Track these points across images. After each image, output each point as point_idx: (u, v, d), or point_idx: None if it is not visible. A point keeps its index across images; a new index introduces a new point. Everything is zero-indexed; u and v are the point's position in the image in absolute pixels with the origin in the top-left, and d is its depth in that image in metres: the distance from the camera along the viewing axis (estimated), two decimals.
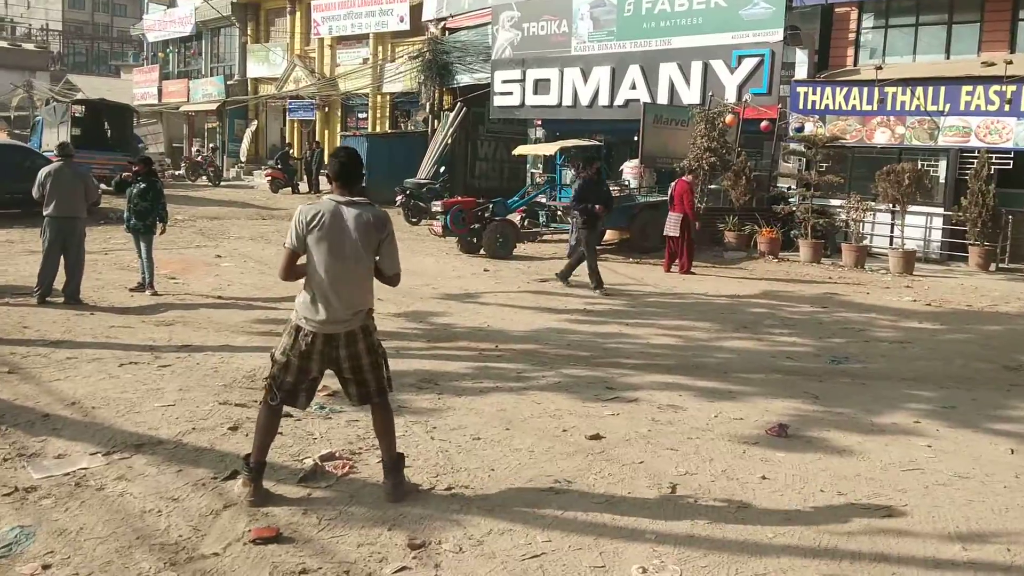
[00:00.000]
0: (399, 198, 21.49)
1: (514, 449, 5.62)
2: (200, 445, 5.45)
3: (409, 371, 7.48)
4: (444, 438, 5.79)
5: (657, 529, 4.47)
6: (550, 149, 18.86)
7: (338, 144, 29.10)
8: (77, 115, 24.08)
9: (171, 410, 6.10)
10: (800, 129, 17.98)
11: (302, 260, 4.62)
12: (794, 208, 17.18)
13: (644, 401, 6.89)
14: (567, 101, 23.32)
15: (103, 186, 18.04)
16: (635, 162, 19.12)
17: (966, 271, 15.68)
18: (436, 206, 16.44)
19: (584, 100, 22.84)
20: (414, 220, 21.09)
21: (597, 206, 12.51)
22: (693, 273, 14.58)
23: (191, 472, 5.00)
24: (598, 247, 17.60)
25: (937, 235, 16.95)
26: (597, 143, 18.60)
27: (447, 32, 26.92)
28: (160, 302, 10.38)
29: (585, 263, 12.48)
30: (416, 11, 28.04)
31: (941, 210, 16.77)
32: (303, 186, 29.18)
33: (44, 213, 9.92)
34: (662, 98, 20.72)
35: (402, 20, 28.86)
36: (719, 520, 4.60)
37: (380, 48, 30.35)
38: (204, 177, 32.23)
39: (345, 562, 3.99)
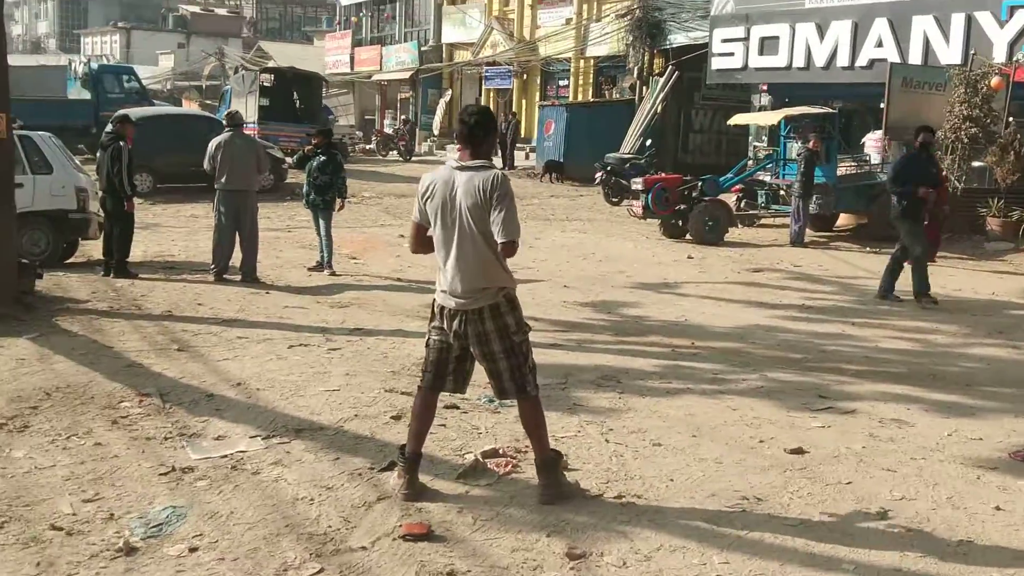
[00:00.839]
0: (598, 175, 21.55)
1: (699, 459, 5.58)
2: (361, 433, 5.78)
3: (589, 366, 7.57)
4: (620, 441, 5.83)
5: (857, 559, 4.31)
6: (773, 118, 18.32)
7: (537, 114, 29.61)
8: (265, 84, 25.83)
9: (335, 395, 6.49)
10: None
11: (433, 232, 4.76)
12: None
13: (863, 413, 6.63)
14: (798, 62, 22.54)
15: (288, 160, 19.28)
16: (879, 134, 18.25)
17: None
18: (636, 183, 16.40)
19: (819, 61, 22.00)
20: (615, 200, 21.06)
21: (922, 188, 10.63)
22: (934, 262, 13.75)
23: (348, 461, 5.31)
24: (827, 233, 17.11)
25: None
26: (831, 111, 17.85)
27: None
28: (337, 282, 11.03)
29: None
30: None
31: None
32: (497, 161, 29.88)
33: (216, 186, 10.76)
34: (914, 57, 19.62)
35: None
36: (934, 554, 4.37)
37: (585, 7, 30.50)
38: (395, 152, 33.68)
39: (497, 567, 4.12)
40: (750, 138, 23.88)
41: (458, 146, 4.77)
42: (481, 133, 4.72)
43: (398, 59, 39.14)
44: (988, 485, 5.32)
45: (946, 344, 9.02)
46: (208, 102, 42.43)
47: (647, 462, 5.50)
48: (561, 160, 26.23)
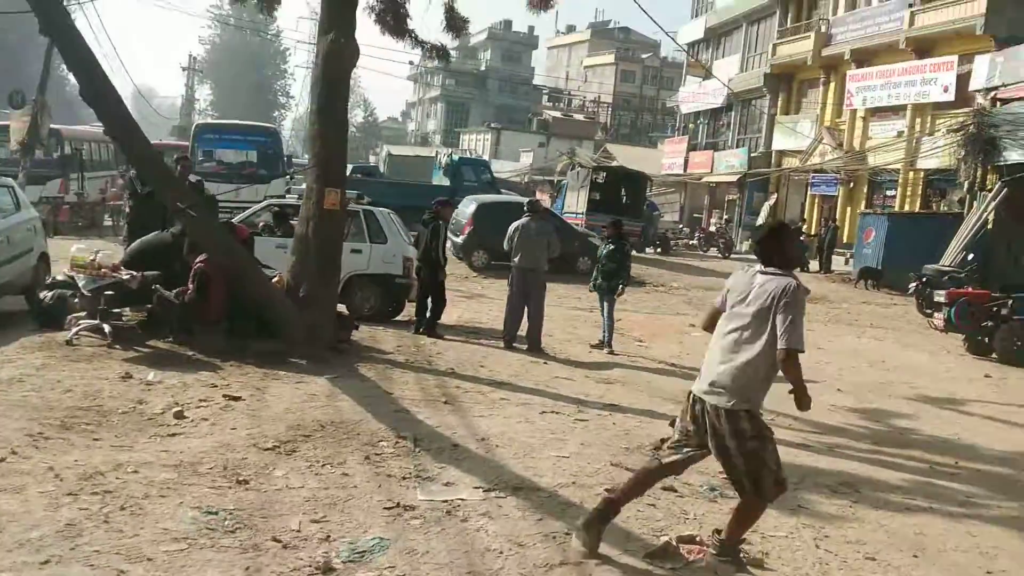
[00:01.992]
0: (912, 284, 20.02)
1: None
2: (571, 500, 5.72)
3: (832, 471, 7.01)
4: (832, 550, 5.32)
5: None
6: None
7: (858, 221, 28.18)
8: (597, 180, 26.68)
9: (563, 461, 6.49)
10: None
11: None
12: None
13: None
14: None
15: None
16: None
17: None
18: (939, 296, 15.04)
19: None
20: (928, 312, 19.37)
21: None
22: None
23: (550, 523, 5.27)
24: None
25: None
26: None
27: (997, 103, 24.67)
28: (613, 361, 11.06)
29: None
30: (963, 80, 26.20)
31: None
32: (813, 265, 28.70)
33: (511, 264, 11.24)
34: None
35: (946, 90, 27.14)
36: None
37: (918, 120, 28.83)
38: (715, 248, 33.39)
39: None
40: None
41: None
42: (769, 249, 4.80)
43: (728, 163, 38.95)
44: None
45: None
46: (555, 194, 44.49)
47: (851, 574, 4.98)
48: (878, 267, 24.73)
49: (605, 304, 11.71)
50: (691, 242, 35.69)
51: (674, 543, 5.08)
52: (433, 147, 59.59)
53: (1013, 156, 24.07)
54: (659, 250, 30.71)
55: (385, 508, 5.29)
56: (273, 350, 8.89)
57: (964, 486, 7.00)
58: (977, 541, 5.71)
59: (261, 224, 13.29)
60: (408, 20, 12.33)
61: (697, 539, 5.20)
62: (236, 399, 7.31)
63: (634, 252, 27.37)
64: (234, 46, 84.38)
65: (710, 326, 5.02)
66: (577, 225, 23.86)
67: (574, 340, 12.33)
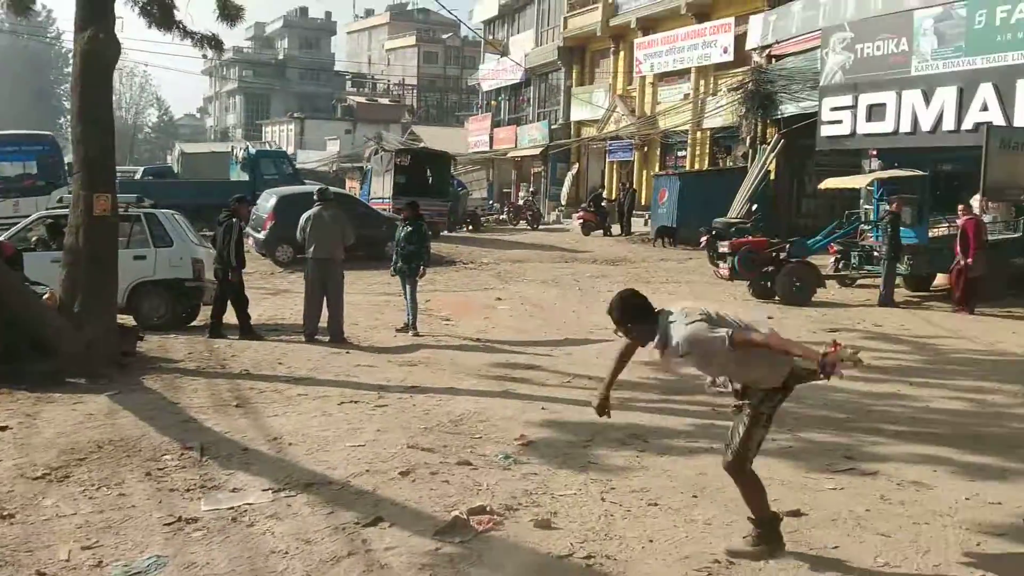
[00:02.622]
0: (703, 239, 21.01)
1: (689, 520, 5.20)
2: (364, 488, 5.66)
3: (622, 424, 7.21)
4: (617, 500, 5.50)
5: None
6: (863, 181, 17.51)
7: (652, 183, 29.29)
8: (401, 164, 26.48)
9: (357, 451, 6.40)
10: None
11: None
12: None
13: (884, 475, 6.07)
14: (905, 127, 21.52)
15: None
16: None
17: None
18: (723, 246, 15.86)
19: (925, 126, 20.95)
20: (717, 263, 20.46)
21: None
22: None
23: (340, 515, 5.18)
24: (923, 293, 16.09)
25: None
26: (922, 173, 16.89)
27: (772, 60, 26.16)
28: (418, 343, 11.03)
29: None
30: (740, 40, 27.62)
31: None
32: (615, 229, 29.65)
33: (305, 255, 11.00)
34: (1020, 120, 18.45)
35: (726, 51, 28.53)
36: None
37: (702, 82, 30.21)
38: (524, 221, 33.92)
39: None
40: (861, 201, 22.89)
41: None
42: (626, 322, 4.76)
43: (530, 137, 39.65)
44: (984, 555, 4.74)
45: (1003, 405, 8.22)
46: None
47: (635, 522, 5.17)
48: (673, 226, 25.80)
49: (407, 287, 11.65)
50: (501, 217, 36.14)
51: (464, 516, 5.11)
52: (230, 142, 57.49)
53: (789, 109, 25.63)
54: (470, 228, 30.90)
55: (165, 524, 5.05)
56: (48, 371, 8.32)
57: None
58: None
59: (35, 239, 12.43)
60: (175, 11, 11.76)
61: (487, 509, 5.25)
62: (3, 429, 6.80)
63: (445, 232, 27.67)
64: (10, 52, 78.31)
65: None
66: (384, 210, 23.64)
67: (380, 326, 12.21)
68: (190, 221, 13.30)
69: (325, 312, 11.07)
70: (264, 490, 5.62)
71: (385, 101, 75.93)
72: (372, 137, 55.23)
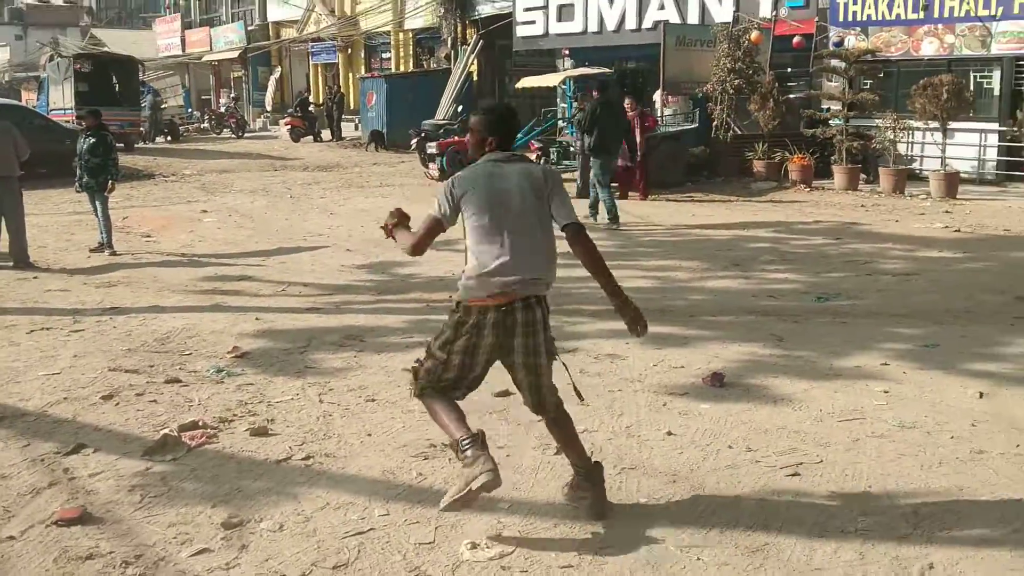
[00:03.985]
0: (413, 141, 21.12)
1: (406, 411, 5.34)
2: (63, 417, 5.29)
3: (338, 327, 7.27)
4: (335, 400, 5.54)
5: (516, 497, 4.16)
6: (553, 80, 18.32)
7: (360, 87, 28.83)
8: (82, 70, 24.19)
9: (54, 379, 5.96)
10: (840, 44, 17.03)
11: None
12: (834, 132, 16.31)
13: (583, 351, 6.53)
14: (592, 27, 22.61)
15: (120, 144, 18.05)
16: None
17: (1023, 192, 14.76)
18: (431, 147, 16.06)
19: (610, 25, 22.12)
20: (427, 164, 20.71)
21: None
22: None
23: (38, 447, 4.83)
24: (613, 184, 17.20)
25: (992, 154, 15.95)
26: (605, 71, 17.89)
27: None
28: (116, 262, 10.33)
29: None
30: None
31: (996, 126, 15.76)
32: (325, 134, 29.03)
33: None
34: (693, 18, 19.90)
35: None
36: None
37: None
38: (227, 129, 32.34)
39: (142, 545, 3.76)
40: (557, 99, 23.86)
41: (484, 140, 4.10)
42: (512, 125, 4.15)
43: (226, 39, 37.52)
44: (671, 411, 5.28)
45: (684, 280, 9.08)
46: None
47: (352, 419, 5.23)
48: (383, 130, 25.67)
49: (97, 203, 10.77)
50: (203, 126, 34.20)
51: (174, 433, 4.93)
52: None
53: (486, 9, 26.04)
54: (168, 138, 29.03)
55: None
56: None
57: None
58: None
59: None
60: None
61: (200, 423, 5.10)
62: None
63: (140, 144, 25.79)
64: None
65: (427, 246, 4.13)
66: (67, 122, 21.58)
67: (71, 247, 11.29)
68: None
69: (5, 235, 10.04)
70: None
71: (59, 2, 68.66)
72: (47, 43, 50.03)
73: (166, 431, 4.94)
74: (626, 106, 14.91)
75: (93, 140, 10.70)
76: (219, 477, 4.44)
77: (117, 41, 41.95)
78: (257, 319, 7.59)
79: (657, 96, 19.01)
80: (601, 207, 12.43)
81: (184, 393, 5.69)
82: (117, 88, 24.90)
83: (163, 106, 30.76)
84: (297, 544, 3.76)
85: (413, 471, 4.48)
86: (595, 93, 13.09)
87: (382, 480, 4.39)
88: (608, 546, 3.70)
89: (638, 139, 14.18)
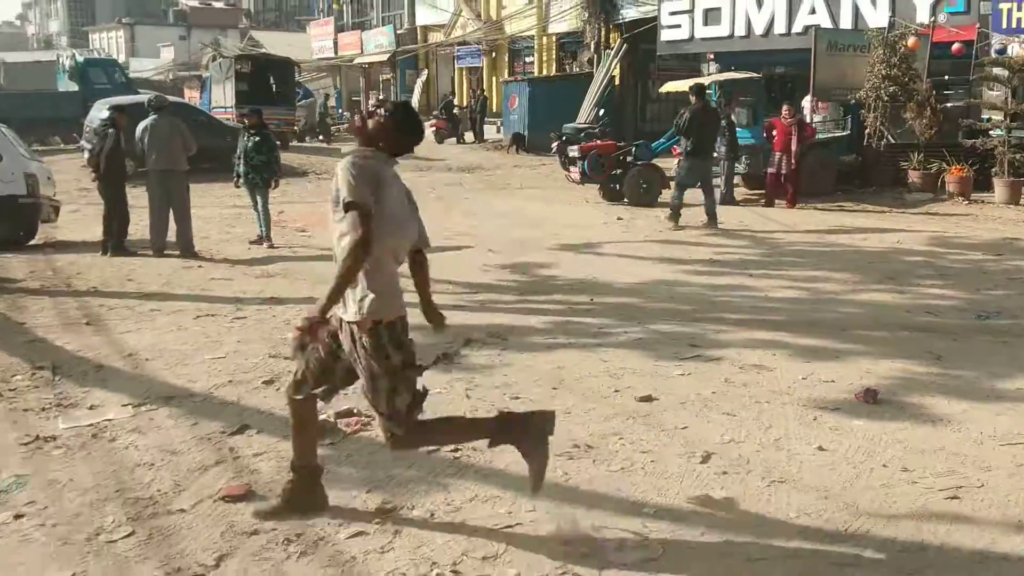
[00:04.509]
0: (554, 144, 21.24)
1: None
2: (228, 399, 5.60)
3: (482, 325, 7.38)
4: (481, 397, 5.65)
5: (661, 503, 4.15)
6: None
7: (503, 90, 29.19)
8: (242, 71, 25.39)
9: (219, 363, 6.31)
10: (1003, 51, 16.15)
11: None
12: (995, 143, 15.50)
13: (728, 360, 6.44)
14: (740, 31, 22.19)
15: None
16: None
17: None
18: (572, 151, 16.14)
19: (758, 29, 21.66)
20: (567, 168, 20.77)
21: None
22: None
23: (205, 426, 5.13)
24: (761, 191, 16.88)
25: None
26: (756, 76, 17.52)
27: None
28: (274, 255, 10.82)
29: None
30: None
31: None
32: (468, 136, 29.53)
33: (146, 168, 10.54)
34: (845, 23, 19.29)
35: None
36: (740, 495, 4.20)
37: None
38: None
39: (303, 524, 3.94)
40: None
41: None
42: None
43: (376, 43, 38.62)
44: (821, 426, 5.15)
45: (834, 292, 8.82)
46: None
47: None
48: (524, 132, 25.93)
49: (259, 198, 11.31)
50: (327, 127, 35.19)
51: (332, 419, 5.15)
52: (56, 51, 53.67)
53: (630, 13, 25.91)
54: (321, 138, 30.14)
55: (22, 444, 4.88)
56: None
57: (597, 319, 7.66)
58: (607, 365, 6.30)
59: None
60: None
61: (355, 412, 5.30)
62: None
63: (294, 142, 26.86)
64: None
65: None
66: (227, 120, 22.72)
67: (232, 239, 11.89)
68: (18, 135, 12.47)
69: (173, 226, 10.67)
70: (124, 405, 5.48)
71: (220, 5, 72.16)
72: (209, 43, 52.66)
73: (324, 417, 5.16)
74: (783, 113, 14.63)
75: (257, 139, 11.23)
76: (373, 463, 4.61)
77: (274, 43, 43.83)
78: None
79: (806, 102, 18.50)
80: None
81: None
82: (274, 88, 26.01)
83: (320, 106, 31.85)
84: (447, 533, 3.86)
85: (558, 470, 4.52)
86: (692, 98, 13.14)
87: (527, 477, 4.45)
88: (759, 558, 3.66)
89: (794, 147, 13.91)
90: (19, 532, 3.91)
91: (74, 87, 27.31)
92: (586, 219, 13.77)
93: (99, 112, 19.20)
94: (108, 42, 64.88)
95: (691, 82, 19.22)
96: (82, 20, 74.74)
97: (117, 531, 3.90)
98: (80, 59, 28.91)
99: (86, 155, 18.54)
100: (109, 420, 5.23)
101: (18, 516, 4.06)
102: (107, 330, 7.20)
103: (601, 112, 23.51)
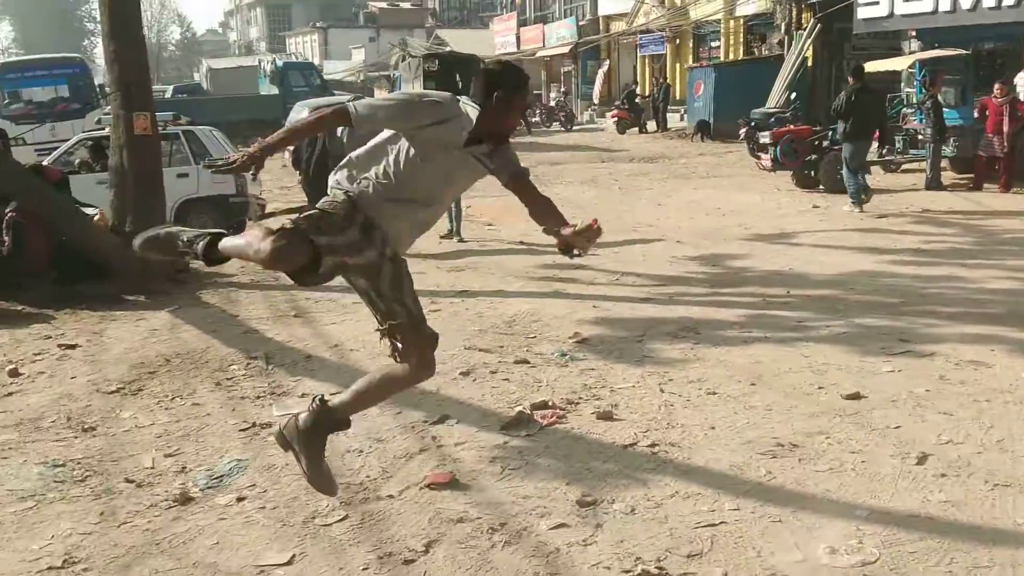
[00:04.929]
0: (742, 130, 20.68)
1: (748, 407, 5.28)
2: (427, 389, 5.75)
3: (673, 318, 7.30)
4: (675, 391, 5.59)
5: (875, 505, 3.97)
6: (904, 63, 17.06)
7: (687, 76, 28.72)
8: (429, 69, 26.16)
9: None
10: None
11: None
12: None
13: (941, 356, 6.09)
14: (944, 6, 20.79)
15: None
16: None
17: None
18: (763, 137, 15.65)
19: (965, 3, 20.21)
20: (757, 154, 20.18)
21: None
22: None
23: (408, 415, 5.33)
24: (970, 174, 15.84)
25: None
26: (964, 52, 16.41)
27: None
28: (464, 248, 11.09)
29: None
30: None
31: None
32: (651, 125, 29.26)
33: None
34: None
35: None
36: (960, 500, 3.97)
37: None
38: (557, 123, 33.56)
39: (507, 513, 4.04)
40: (901, 84, 22.32)
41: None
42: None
43: (559, 35, 38.87)
44: None
45: None
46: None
47: (695, 411, 5.25)
48: (710, 119, 25.42)
49: None
50: (534, 120, 35.65)
51: (527, 411, 5.23)
52: (257, 56, 57.07)
53: None
54: None
55: (240, 430, 5.23)
56: (107, 292, 8.50)
57: (796, 312, 7.41)
58: (809, 360, 6.09)
59: (78, 162, 12.56)
60: None
61: (550, 403, 5.37)
62: (72, 347, 7.00)
63: None
64: None
65: None
66: None
67: (426, 235, 12.24)
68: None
69: None
70: (333, 394, 5.74)
71: (407, 5, 74.50)
72: (397, 43, 54.45)
73: (520, 408, 5.26)
74: (995, 91, 13.69)
75: None
76: (571, 456, 4.65)
77: (458, 40, 44.90)
78: (595, 307, 7.83)
79: (1020, 79, 17.18)
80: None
81: (533, 374, 6.01)
82: (460, 85, 26.61)
83: None
84: (649, 529, 3.85)
85: (761, 468, 4.41)
86: (850, 79, 12.87)
87: (729, 475, 4.37)
88: (984, 566, 3.44)
89: (1006, 128, 13.00)
90: (242, 514, 4.19)
91: (274, 90, 29.04)
92: (778, 208, 13.34)
93: (298, 114, 20.29)
94: (303, 46, 68.34)
95: (894, 62, 18.36)
96: (279, 26, 79.06)
97: (331, 515, 4.12)
98: (280, 63, 30.70)
99: (287, 155, 19.69)
100: None
101: (240, 499, 4.35)
102: (313, 322, 7.60)
103: (793, 96, 22.67)
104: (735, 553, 3.63)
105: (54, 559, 3.81)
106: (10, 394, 6.07)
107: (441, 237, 11.71)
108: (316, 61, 51.97)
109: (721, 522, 3.89)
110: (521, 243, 11.36)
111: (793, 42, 24.98)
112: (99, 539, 3.98)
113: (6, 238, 8.36)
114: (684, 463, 4.53)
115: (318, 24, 70.70)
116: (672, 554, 3.63)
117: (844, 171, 12.74)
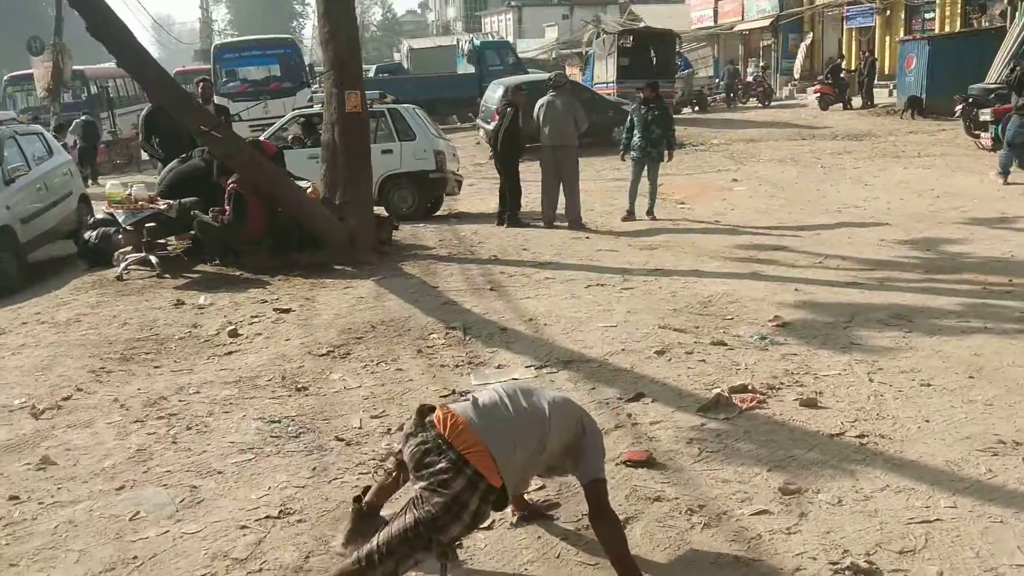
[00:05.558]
0: (958, 107, 19.36)
1: (967, 400, 4.96)
2: (621, 366, 5.78)
3: (883, 305, 6.96)
4: (886, 381, 5.32)
5: None
6: None
7: (897, 49, 27.13)
8: (624, 46, 25.93)
9: (611, 331, 6.53)
10: None
11: None
12: None
13: None
14: None
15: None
16: None
17: None
18: (984, 114, 14.55)
19: None
20: (976, 133, 18.83)
21: None
22: None
23: (602, 391, 5.35)
24: None
25: None
26: None
27: None
28: (656, 227, 10.98)
29: None
30: None
31: None
32: (856, 101, 27.85)
33: (540, 143, 11.10)
34: None
35: None
36: None
37: None
38: (754, 98, 32.54)
39: (705, 496, 3.98)
40: None
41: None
42: None
43: (759, 8, 37.52)
44: None
45: None
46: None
47: (907, 403, 4.99)
48: (922, 95, 23.91)
49: (650, 170, 11.45)
50: (730, 95, 34.72)
51: (726, 394, 5.13)
52: (454, 35, 58.38)
53: None
54: (696, 108, 30.05)
55: (441, 396, 5.40)
56: (317, 260, 8.99)
57: (1019, 303, 6.89)
58: None
59: (291, 137, 13.29)
60: None
61: (749, 387, 5.24)
62: (287, 311, 7.45)
63: (674, 115, 27.02)
64: None
65: None
66: (608, 95, 23.37)
67: (615, 212, 12.20)
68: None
69: (562, 199, 11.20)
70: (527, 367, 5.87)
71: None
72: (590, 20, 54.30)
73: (718, 391, 5.16)
74: None
75: (657, 112, 11.38)
76: (772, 442, 4.52)
77: (652, 15, 44.23)
78: (796, 290, 7.56)
79: None
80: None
81: (730, 356, 5.88)
82: (655, 61, 26.28)
83: (695, 76, 31.81)
84: (858, 522, 3.70)
85: (981, 466, 4.15)
86: None
87: (945, 470, 4.13)
88: None
89: None
90: None
91: (471, 69, 29.63)
92: (998, 191, 12.41)
93: (494, 92, 20.64)
94: (498, 25, 69.35)
95: None
96: (475, 5, 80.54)
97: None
98: (477, 43, 31.29)
99: (482, 132, 20.06)
100: (515, 379, 5.61)
101: None
102: (508, 296, 7.74)
103: (1015, 68, 20.94)
104: (951, 552, 3.44)
105: (271, 508, 4.08)
106: (230, 353, 6.53)
107: (622, 220, 11.56)
108: (510, 40, 52.61)
109: (936, 519, 3.69)
110: (716, 222, 11.12)
111: (1017, 12, 23.10)
112: (312, 492, 4.23)
113: (228, 208, 8.95)
114: (896, 456, 4.31)
115: (512, 3, 71.43)
116: (883, 549, 3.48)
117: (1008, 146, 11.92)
